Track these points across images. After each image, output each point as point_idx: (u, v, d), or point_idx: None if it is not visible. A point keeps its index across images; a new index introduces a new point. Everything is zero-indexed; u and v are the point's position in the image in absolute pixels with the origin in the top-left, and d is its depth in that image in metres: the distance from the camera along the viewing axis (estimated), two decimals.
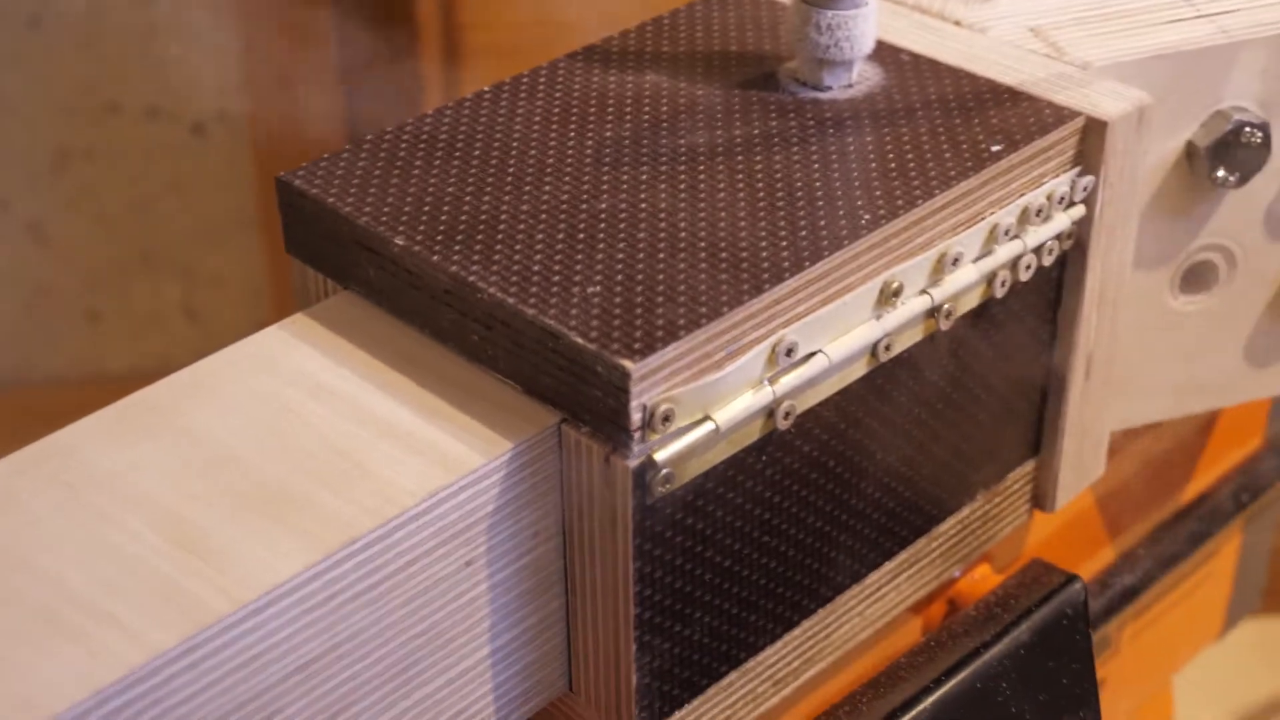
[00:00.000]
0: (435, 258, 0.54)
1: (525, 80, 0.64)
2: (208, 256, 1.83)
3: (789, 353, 0.54)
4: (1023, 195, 0.60)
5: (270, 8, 1.67)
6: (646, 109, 0.62)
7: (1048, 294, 0.63)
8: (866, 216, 0.56)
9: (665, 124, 0.61)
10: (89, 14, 1.70)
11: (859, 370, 0.57)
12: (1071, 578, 0.68)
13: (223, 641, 0.45)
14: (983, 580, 0.70)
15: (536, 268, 0.53)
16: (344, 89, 1.66)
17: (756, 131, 0.60)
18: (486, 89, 0.63)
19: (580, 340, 0.50)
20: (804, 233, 0.55)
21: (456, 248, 0.54)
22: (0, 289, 1.81)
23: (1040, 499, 0.69)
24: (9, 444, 0.52)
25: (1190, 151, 0.66)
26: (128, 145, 1.76)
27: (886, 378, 0.58)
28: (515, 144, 0.60)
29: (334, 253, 0.57)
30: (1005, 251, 0.60)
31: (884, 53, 0.65)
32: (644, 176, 0.58)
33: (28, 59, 1.71)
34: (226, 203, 1.80)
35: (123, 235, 1.81)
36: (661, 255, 0.54)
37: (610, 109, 0.62)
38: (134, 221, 1.80)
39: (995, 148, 0.59)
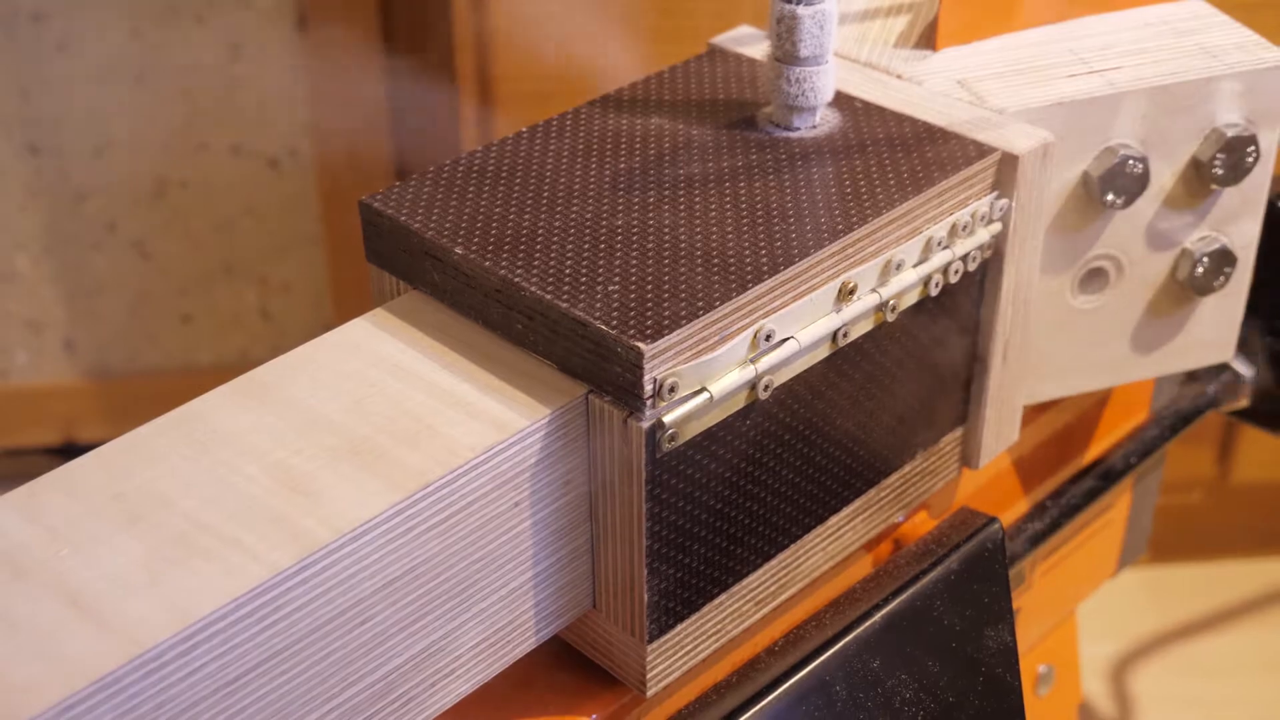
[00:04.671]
0: (487, 263, 0.55)
1: (555, 122, 0.65)
2: (279, 268, 1.82)
3: (768, 338, 0.55)
4: (952, 214, 0.61)
5: (333, 64, 1.67)
6: (652, 145, 0.63)
7: (972, 293, 0.64)
8: (828, 230, 0.57)
9: (667, 157, 0.62)
10: (185, 69, 1.69)
11: (823, 353, 0.58)
12: (991, 520, 0.69)
13: (327, 563, 0.47)
14: (921, 524, 0.70)
15: (568, 271, 0.55)
16: (393, 132, 1.65)
17: (740, 163, 0.61)
18: (524, 130, 0.64)
19: (604, 327, 0.52)
20: (778, 243, 0.56)
21: (504, 255, 0.56)
22: (110, 295, 1.80)
23: (968, 458, 0.69)
24: (122, 421, 0.53)
25: (1085, 180, 0.67)
26: (215, 176, 1.75)
27: (844, 359, 0.59)
28: (548, 173, 0.61)
29: (405, 260, 0.58)
30: (938, 259, 0.61)
31: (841, 100, 0.65)
32: (651, 199, 0.59)
33: (135, 107, 1.71)
34: (295, 224, 1.79)
35: (210, 251, 1.80)
36: (666, 261, 0.55)
37: (623, 145, 0.63)
38: (219, 239, 1.79)
39: (930, 175, 0.60)
